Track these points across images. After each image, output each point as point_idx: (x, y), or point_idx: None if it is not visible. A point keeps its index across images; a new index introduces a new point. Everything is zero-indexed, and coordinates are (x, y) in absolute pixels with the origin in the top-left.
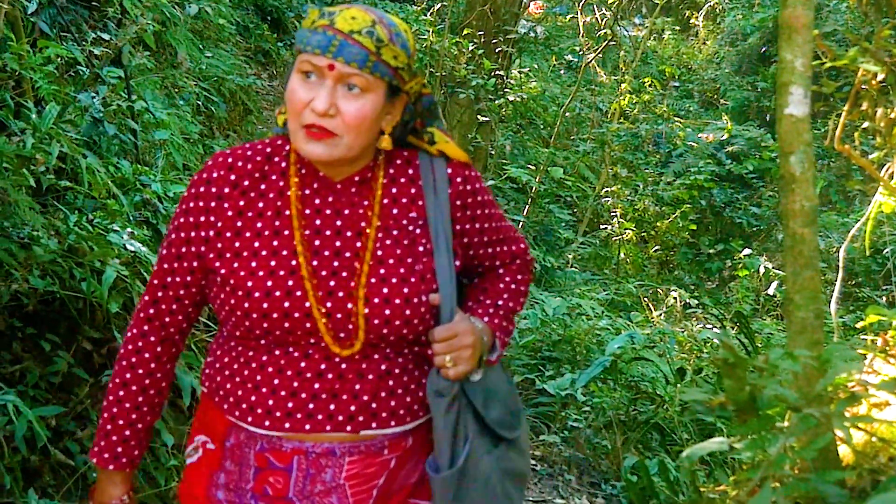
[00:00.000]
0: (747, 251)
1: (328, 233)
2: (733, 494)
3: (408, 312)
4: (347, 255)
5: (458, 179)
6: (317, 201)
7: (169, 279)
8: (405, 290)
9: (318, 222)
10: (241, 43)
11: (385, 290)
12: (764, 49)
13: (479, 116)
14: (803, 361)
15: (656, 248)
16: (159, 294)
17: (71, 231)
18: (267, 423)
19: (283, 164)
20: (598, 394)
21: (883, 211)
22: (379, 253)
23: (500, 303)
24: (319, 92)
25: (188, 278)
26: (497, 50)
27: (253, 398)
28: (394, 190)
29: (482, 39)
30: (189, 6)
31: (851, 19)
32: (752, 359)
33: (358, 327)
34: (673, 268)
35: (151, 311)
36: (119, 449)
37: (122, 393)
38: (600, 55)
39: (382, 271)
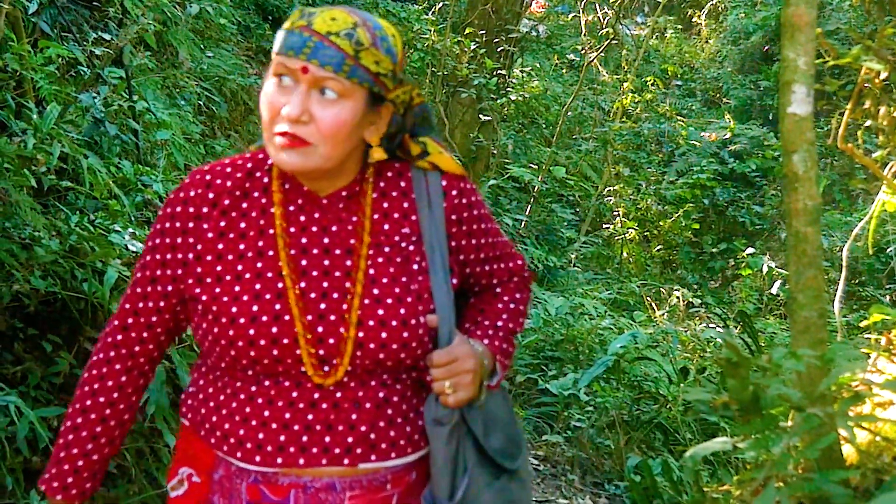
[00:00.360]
0: (750, 250)
1: (315, 251)
2: (737, 494)
3: (405, 335)
4: (337, 274)
5: (454, 192)
6: (302, 218)
7: (141, 304)
8: (401, 312)
9: (304, 241)
10: (243, 43)
11: (380, 312)
12: (766, 48)
13: (481, 116)
14: (807, 361)
15: (659, 247)
16: (129, 321)
17: (72, 231)
18: (258, 458)
19: (266, 180)
20: (600, 393)
21: (886, 209)
22: (371, 272)
23: (500, 324)
24: (292, 97)
25: (161, 303)
26: (499, 49)
27: (241, 432)
28: (385, 204)
29: (484, 38)
30: (190, 6)
31: (854, 17)
32: (755, 358)
33: (345, 353)
34: (676, 267)
35: (120, 337)
36: (70, 479)
37: (80, 420)
38: (602, 54)
39: (376, 291)
